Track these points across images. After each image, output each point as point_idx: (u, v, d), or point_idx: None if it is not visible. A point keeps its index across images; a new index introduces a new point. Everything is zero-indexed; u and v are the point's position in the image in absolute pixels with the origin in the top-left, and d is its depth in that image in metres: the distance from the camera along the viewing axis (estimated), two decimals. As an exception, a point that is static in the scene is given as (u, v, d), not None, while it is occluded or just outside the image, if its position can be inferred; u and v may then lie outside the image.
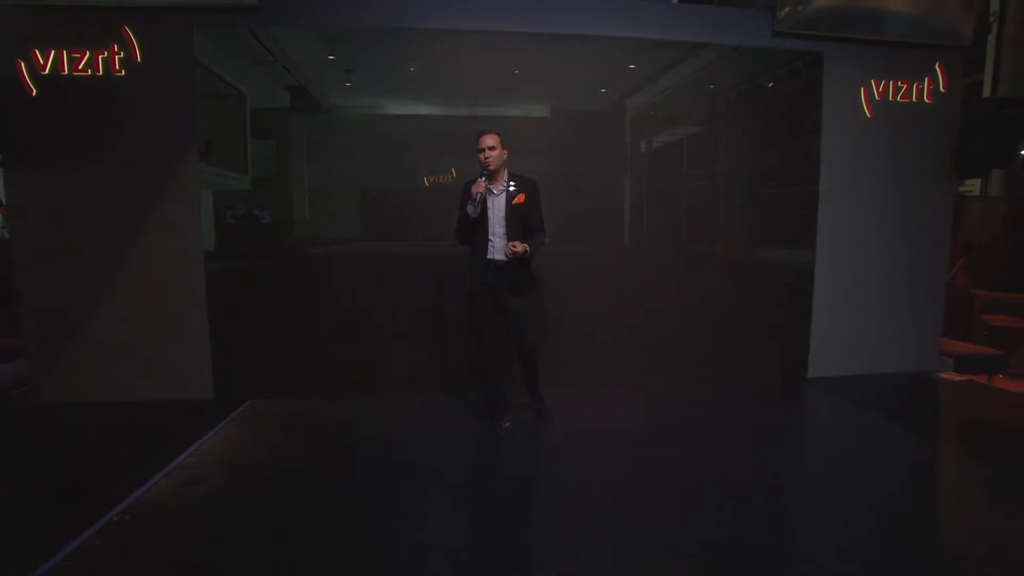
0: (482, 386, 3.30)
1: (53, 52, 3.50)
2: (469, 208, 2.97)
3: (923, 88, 4.21)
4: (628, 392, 3.91)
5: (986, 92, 7.23)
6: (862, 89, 4.16)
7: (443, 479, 2.67)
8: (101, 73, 3.54)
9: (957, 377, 4.38)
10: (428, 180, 3.88)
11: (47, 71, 3.51)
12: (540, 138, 4.03)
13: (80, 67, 3.53)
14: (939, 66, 4.21)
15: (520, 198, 3.02)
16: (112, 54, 3.54)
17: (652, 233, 4.22)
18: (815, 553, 2.05)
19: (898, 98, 4.20)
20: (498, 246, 3.03)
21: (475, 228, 3.04)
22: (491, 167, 2.97)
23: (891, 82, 4.17)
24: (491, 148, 2.96)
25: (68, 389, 3.66)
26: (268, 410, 3.60)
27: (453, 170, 3.85)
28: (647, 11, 4.06)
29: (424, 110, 4.10)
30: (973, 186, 7.82)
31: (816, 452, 3.19)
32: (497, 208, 3.03)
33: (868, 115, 4.17)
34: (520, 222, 3.03)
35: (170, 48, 3.57)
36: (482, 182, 2.94)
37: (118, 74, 3.55)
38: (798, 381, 4.26)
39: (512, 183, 3.06)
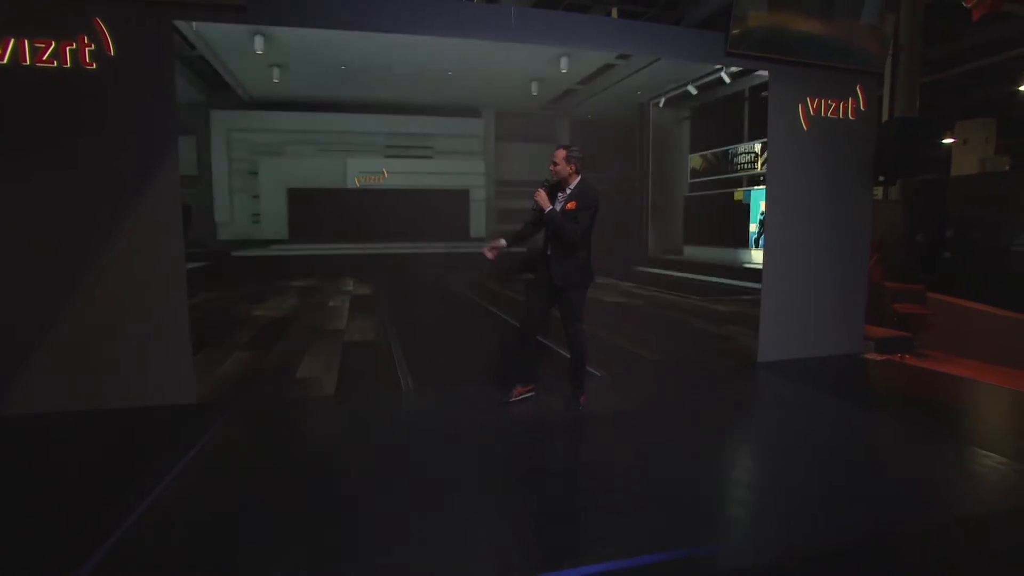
0: (517, 355, 3.73)
1: (13, 40, 3.26)
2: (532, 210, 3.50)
3: (847, 106, 4.86)
4: (611, 379, 4.22)
5: (884, 109, 8.31)
6: (799, 105, 4.73)
7: (440, 473, 2.73)
8: (69, 65, 3.34)
9: (878, 357, 5.07)
10: (359, 181, 3.85)
11: (6, 60, 3.26)
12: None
13: (45, 58, 3.31)
14: (859, 88, 4.87)
15: (571, 204, 3.34)
16: (82, 46, 3.35)
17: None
18: (779, 497, 2.46)
19: (828, 114, 4.82)
20: (553, 244, 3.42)
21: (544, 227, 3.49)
22: (553, 179, 3.41)
23: (823, 100, 4.77)
24: (554, 163, 3.39)
25: (43, 399, 3.43)
26: (257, 413, 3.54)
27: (384, 170, 3.88)
28: (614, 27, 4.39)
29: (354, 108, 3.97)
30: (876, 192, 8.93)
31: (773, 422, 3.65)
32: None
33: (805, 128, 4.75)
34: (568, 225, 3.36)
35: (147, 42, 3.43)
36: (541, 191, 3.36)
37: (89, 67, 3.36)
38: (750, 365, 4.76)
39: (573, 191, 3.38)
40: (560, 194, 3.42)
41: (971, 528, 2.27)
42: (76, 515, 2.29)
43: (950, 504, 2.47)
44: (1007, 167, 10.14)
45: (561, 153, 3.36)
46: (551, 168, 3.40)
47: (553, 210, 3.34)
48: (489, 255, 3.50)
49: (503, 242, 3.53)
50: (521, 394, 3.66)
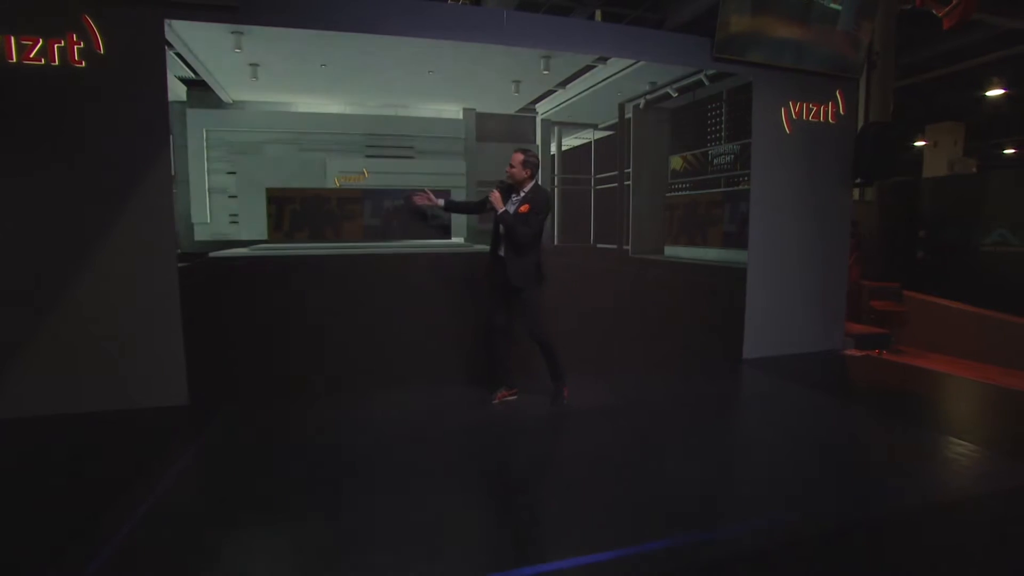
0: (489, 361, 3.78)
1: (-2, 37, 3.21)
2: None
3: (828, 110, 5.02)
4: (599, 376, 4.28)
5: (859, 113, 8.56)
6: (782, 109, 4.87)
7: (434, 470, 2.77)
8: (57, 63, 3.30)
9: (858, 353, 5.25)
10: (339, 181, 3.85)
11: (-9, 57, 3.21)
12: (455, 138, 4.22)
13: (32, 55, 3.26)
14: (839, 93, 5.04)
15: (524, 207, 3.39)
16: (71, 43, 3.30)
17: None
18: (765, 487, 2.57)
19: (809, 118, 4.97)
20: (502, 246, 3.46)
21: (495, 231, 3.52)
22: (507, 181, 3.44)
23: (804, 104, 4.93)
24: (511, 166, 3.41)
25: (34, 402, 3.37)
26: (248, 413, 3.54)
27: (364, 170, 3.88)
28: (604, 31, 4.47)
29: (335, 108, 4.00)
30: (853, 193, 9.19)
31: (758, 416, 3.78)
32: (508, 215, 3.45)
33: (787, 131, 4.89)
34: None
35: (138, 41, 3.40)
36: (496, 192, 3.38)
37: (78, 65, 3.32)
38: (736, 362, 4.88)
39: (526, 195, 3.43)
40: (514, 196, 3.46)
41: (946, 512, 2.39)
42: (76, 519, 2.27)
43: (927, 490, 2.59)
44: (974, 169, 10.52)
45: (519, 157, 3.41)
46: (508, 170, 3.44)
47: (507, 211, 3.39)
48: (416, 200, 3.52)
49: (441, 202, 3.56)
50: (504, 397, 3.71)
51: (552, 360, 3.62)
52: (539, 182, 3.51)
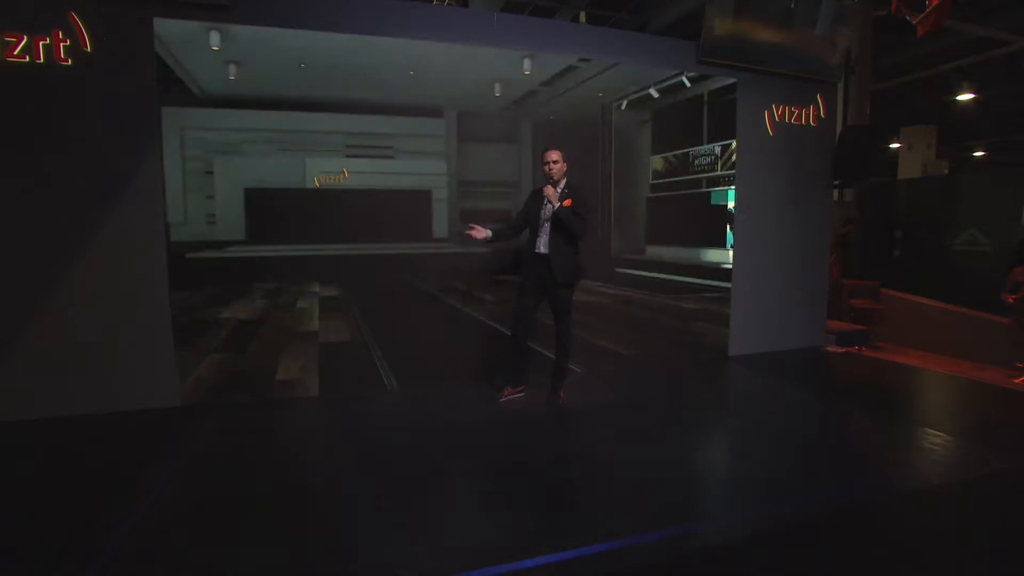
0: (514, 359, 3.77)
1: (-19, 34, 3.15)
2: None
3: (809, 113, 5.16)
4: (591, 375, 4.36)
5: (838, 117, 8.78)
6: (765, 112, 4.99)
7: (439, 467, 2.79)
8: (42, 61, 3.24)
9: (839, 349, 5.40)
10: (319, 181, 3.82)
11: (-27, 54, 3.15)
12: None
13: (16, 52, 3.20)
14: (819, 96, 5.18)
15: (567, 202, 3.43)
16: (56, 41, 3.25)
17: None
18: (749, 467, 2.72)
19: (792, 120, 5.10)
20: (543, 242, 3.49)
21: (530, 226, 3.56)
22: (555, 176, 3.45)
23: (787, 107, 5.06)
24: (554, 162, 3.43)
25: (24, 405, 3.31)
26: (243, 415, 3.51)
27: (344, 170, 3.87)
28: (593, 34, 4.53)
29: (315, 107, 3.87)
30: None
31: (744, 411, 3.89)
32: (548, 211, 3.46)
33: (771, 133, 5.02)
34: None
35: (126, 38, 3.36)
36: (550, 188, 3.43)
37: (64, 63, 3.27)
38: (722, 359, 4.99)
39: (564, 190, 3.47)
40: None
41: (923, 500, 2.50)
42: (72, 523, 2.25)
43: (904, 478, 2.70)
44: (946, 171, 10.88)
45: (557, 153, 3.45)
46: (549, 168, 3.45)
47: (563, 207, 3.40)
48: (474, 235, 3.50)
49: (489, 233, 3.53)
50: (510, 395, 3.74)
51: (566, 361, 3.69)
52: None
